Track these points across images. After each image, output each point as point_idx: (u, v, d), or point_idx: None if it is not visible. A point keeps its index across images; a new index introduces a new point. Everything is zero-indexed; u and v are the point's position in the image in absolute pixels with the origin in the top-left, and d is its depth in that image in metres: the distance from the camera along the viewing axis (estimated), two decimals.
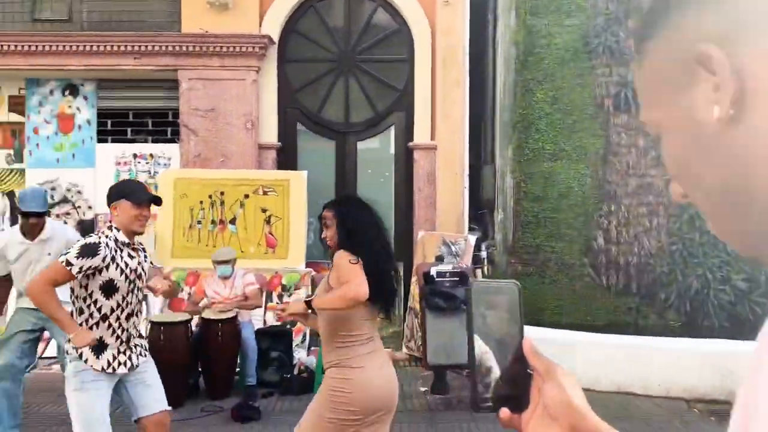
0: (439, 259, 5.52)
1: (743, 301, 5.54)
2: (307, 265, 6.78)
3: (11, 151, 7.21)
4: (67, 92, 7.19)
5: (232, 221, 6.73)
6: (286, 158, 7.16)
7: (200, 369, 5.34)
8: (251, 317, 5.69)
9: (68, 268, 2.81)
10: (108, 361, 2.88)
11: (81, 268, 2.83)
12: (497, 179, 6.87)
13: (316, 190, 7.19)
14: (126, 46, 6.72)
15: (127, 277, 2.96)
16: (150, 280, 3.20)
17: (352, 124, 7.21)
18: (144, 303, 3.34)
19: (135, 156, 7.23)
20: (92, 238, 2.94)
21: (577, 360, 5.57)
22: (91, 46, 6.73)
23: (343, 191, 7.19)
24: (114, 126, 7.24)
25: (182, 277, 6.53)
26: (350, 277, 2.48)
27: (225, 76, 6.82)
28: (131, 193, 3.03)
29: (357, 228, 2.74)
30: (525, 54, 6.52)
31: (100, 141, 7.21)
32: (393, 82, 7.17)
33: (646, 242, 5.94)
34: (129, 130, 7.25)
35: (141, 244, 3.19)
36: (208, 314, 5.29)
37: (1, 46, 6.70)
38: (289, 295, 6.62)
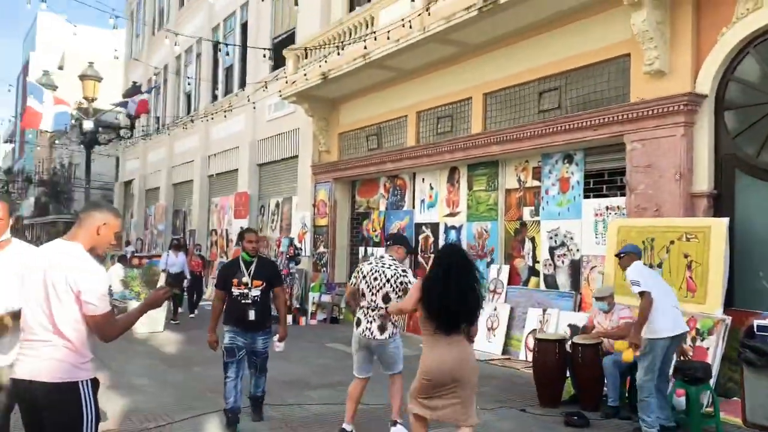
0: None
1: None
2: (729, 312, 6.74)
3: (533, 207, 9.90)
4: (565, 161, 9.37)
5: (660, 265, 7.40)
6: (723, 205, 7.22)
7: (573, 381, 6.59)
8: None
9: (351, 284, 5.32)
10: (361, 330, 5.15)
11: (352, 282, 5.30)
12: None
13: (756, 235, 7.00)
14: (589, 121, 8.42)
15: (368, 285, 5.15)
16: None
17: None
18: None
19: (607, 208, 8.73)
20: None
21: None
22: (572, 124, 8.73)
23: None
24: (595, 184, 8.95)
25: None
26: (407, 296, 4.28)
27: (658, 134, 7.59)
28: (405, 242, 5.23)
29: (432, 269, 4.20)
30: None
31: (585, 197, 9.04)
32: None
33: None
34: (604, 186, 8.81)
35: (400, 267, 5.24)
36: (577, 339, 6.53)
37: (525, 133, 9.48)
38: (702, 340, 6.81)
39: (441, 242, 11.65)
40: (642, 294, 5.55)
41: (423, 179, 12.28)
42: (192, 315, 13.59)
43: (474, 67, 10.61)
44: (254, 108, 15.37)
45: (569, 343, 6.68)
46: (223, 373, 5.44)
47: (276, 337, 5.71)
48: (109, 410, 5.91)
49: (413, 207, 12.53)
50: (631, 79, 8.12)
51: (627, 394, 6.39)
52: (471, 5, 9.01)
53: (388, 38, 10.31)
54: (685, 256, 7.15)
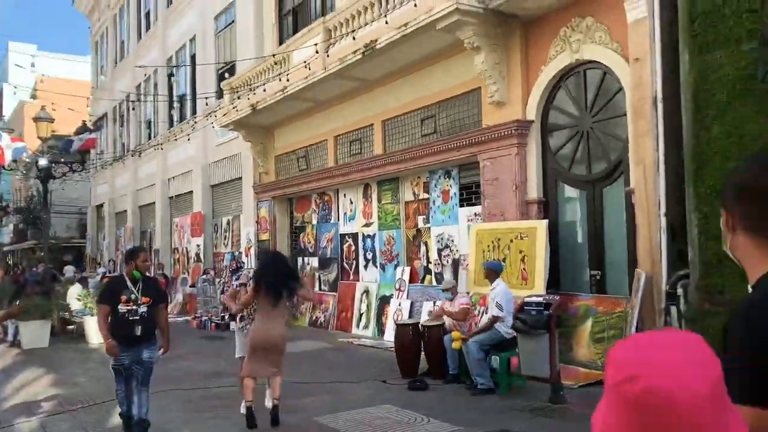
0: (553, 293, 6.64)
1: None
2: (551, 293, 8.40)
3: (425, 216, 11.57)
4: (446, 176, 11.05)
5: (504, 260, 9.07)
6: (549, 209, 8.92)
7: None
8: (466, 326, 8.16)
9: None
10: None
11: None
12: (687, 219, 6.81)
13: (571, 232, 8.71)
14: (454, 143, 10.11)
15: None
16: None
17: (595, 175, 8.34)
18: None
19: (475, 215, 10.40)
20: None
21: None
22: (444, 146, 10.41)
23: (593, 234, 8.40)
24: (467, 195, 10.63)
25: (477, 300, 9.33)
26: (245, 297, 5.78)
27: (500, 153, 9.29)
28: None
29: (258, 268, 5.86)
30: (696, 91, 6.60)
31: (461, 206, 10.72)
32: (621, 135, 7.97)
33: None
34: (473, 197, 10.50)
35: None
36: (425, 322, 8.18)
37: (412, 154, 11.15)
38: None
39: (360, 250, 13.28)
40: (496, 316, 7.19)
41: (345, 195, 13.92)
42: None
43: (373, 98, 12.28)
44: (189, 139, 17.08)
45: (420, 325, 8.31)
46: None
47: (160, 351, 5.91)
48: (47, 400, 7.47)
49: (338, 220, 14.15)
50: (482, 108, 9.82)
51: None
52: (357, 50, 10.69)
53: (288, 80, 12.01)
54: (520, 252, 8.84)
